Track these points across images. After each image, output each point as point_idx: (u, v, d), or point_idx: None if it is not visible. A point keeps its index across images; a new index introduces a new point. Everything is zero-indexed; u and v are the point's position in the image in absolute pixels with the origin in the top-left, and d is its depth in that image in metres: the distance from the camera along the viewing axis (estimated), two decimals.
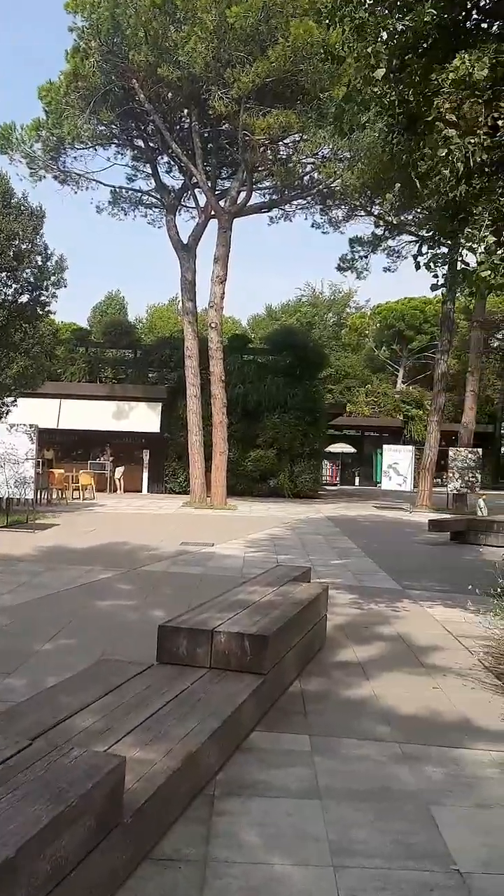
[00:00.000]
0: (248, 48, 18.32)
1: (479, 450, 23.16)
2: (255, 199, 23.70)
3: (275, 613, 5.25)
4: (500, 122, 5.11)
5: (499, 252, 5.64)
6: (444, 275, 6.10)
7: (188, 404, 22.95)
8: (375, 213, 26.16)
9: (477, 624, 7.40)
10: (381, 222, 26.44)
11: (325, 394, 33.97)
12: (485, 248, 5.58)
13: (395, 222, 26.26)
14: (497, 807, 3.64)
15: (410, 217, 26.90)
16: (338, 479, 40.44)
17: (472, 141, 4.99)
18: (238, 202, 21.54)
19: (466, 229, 5.71)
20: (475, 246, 5.60)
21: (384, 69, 5.37)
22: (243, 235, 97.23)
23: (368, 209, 25.78)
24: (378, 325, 51.52)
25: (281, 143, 20.92)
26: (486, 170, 5.60)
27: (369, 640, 6.69)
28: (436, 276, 5.98)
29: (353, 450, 41.01)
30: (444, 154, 5.08)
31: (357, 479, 41.85)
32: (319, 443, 28.46)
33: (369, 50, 5.30)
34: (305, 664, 5.68)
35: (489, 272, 5.58)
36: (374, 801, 3.64)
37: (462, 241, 5.65)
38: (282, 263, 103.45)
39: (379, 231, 27.19)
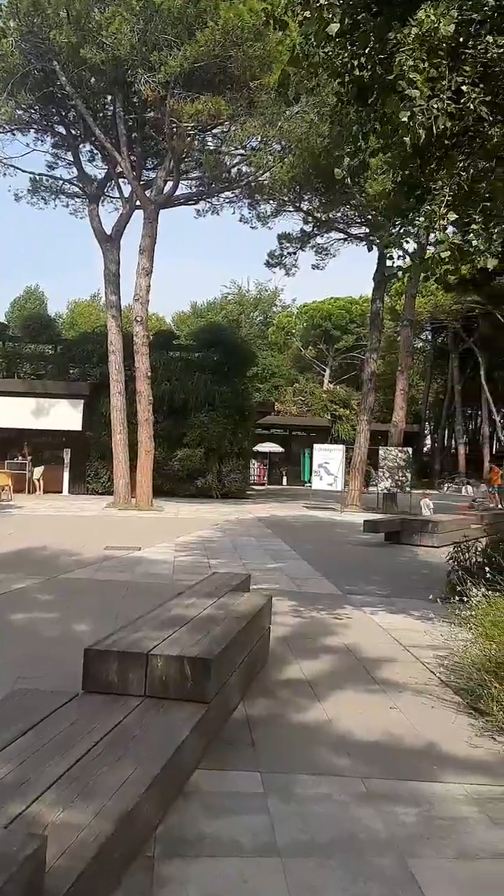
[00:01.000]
0: (176, 31, 17.64)
1: (409, 449, 23.14)
2: (183, 190, 23.05)
3: (216, 631, 4.66)
4: (464, 88, 4.66)
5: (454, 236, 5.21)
6: (399, 256, 5.64)
7: (112, 401, 22.04)
8: (304, 210, 25.88)
9: (424, 633, 7.00)
10: (310, 218, 26.16)
11: (253, 392, 33.60)
12: (444, 227, 5.13)
13: (323, 219, 26.03)
14: (482, 857, 3.16)
15: (339, 214, 26.78)
16: (265, 478, 40.09)
17: (437, 106, 4.52)
18: (165, 192, 20.80)
19: (424, 207, 5.25)
20: (434, 225, 5.15)
21: (338, 24, 4.85)
22: (169, 230, 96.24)
23: (297, 205, 25.48)
24: (305, 324, 51.56)
25: (209, 132, 20.30)
26: (447, 142, 5.15)
27: (315, 653, 6.17)
28: (391, 257, 5.51)
29: (280, 449, 40.75)
30: (405, 118, 4.59)
31: (285, 479, 41.62)
32: (248, 442, 28.00)
33: (322, 2, 4.77)
34: (249, 684, 5.11)
35: (448, 253, 5.15)
36: (343, 854, 3.10)
37: (419, 220, 5.19)
38: (208, 260, 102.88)
39: (308, 228, 26.92)
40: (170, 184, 20.89)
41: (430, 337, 49.70)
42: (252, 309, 57.41)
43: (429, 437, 55.08)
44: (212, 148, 21.01)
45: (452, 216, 5.06)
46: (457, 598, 8.65)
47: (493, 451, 43.27)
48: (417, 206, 5.42)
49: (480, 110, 4.78)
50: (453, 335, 43.68)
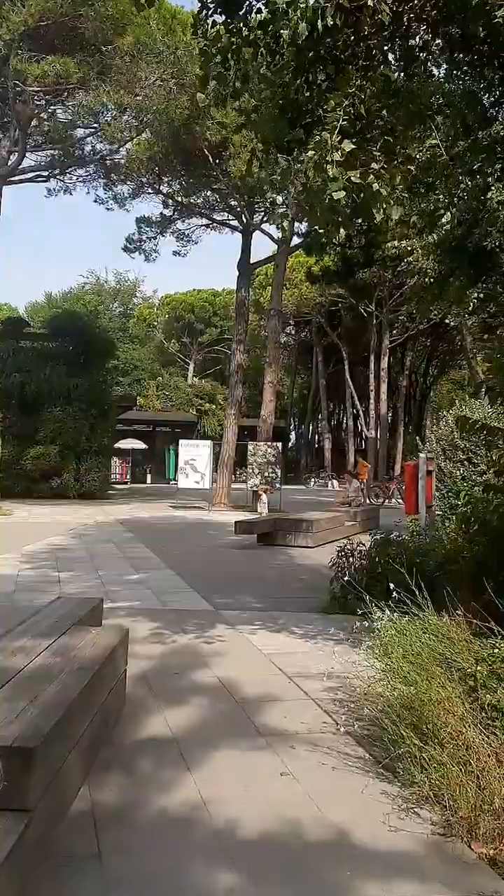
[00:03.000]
0: None
1: (279, 444, 22.38)
2: (31, 165, 21.07)
3: (49, 693, 3.36)
4: None
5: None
6: (284, 201, 4.53)
7: None
8: (164, 192, 24.56)
9: (309, 656, 5.99)
10: (171, 202, 24.88)
11: (113, 385, 31.91)
12: (337, 162, 4.08)
13: (185, 203, 24.82)
14: None
15: (200, 200, 25.67)
16: (128, 477, 38.36)
17: None
18: (9, 164, 18.84)
19: (314, 137, 4.17)
20: (325, 158, 4.08)
21: None
22: (21, 214, 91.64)
23: (157, 187, 24.14)
24: (167, 316, 50.15)
25: (60, 102, 18.53)
26: (339, 53, 4.09)
27: (183, 694, 4.98)
28: (273, 203, 4.42)
29: (144, 446, 39.16)
30: (283, 5, 3.48)
31: (149, 477, 40.05)
32: (108, 438, 26.34)
33: None
34: (97, 755, 3.85)
35: (343, 194, 4.10)
36: None
37: (310, 153, 4.10)
38: (64, 247, 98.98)
39: (168, 212, 25.62)
40: (15, 155, 18.95)
41: (294, 331, 49.68)
42: (111, 300, 55.29)
43: (293, 432, 55.21)
44: (63, 120, 19.24)
45: (348, 146, 4.01)
46: (339, 610, 7.77)
47: (356, 446, 43.73)
48: (305, 137, 4.34)
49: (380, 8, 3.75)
50: (317, 329, 43.73)
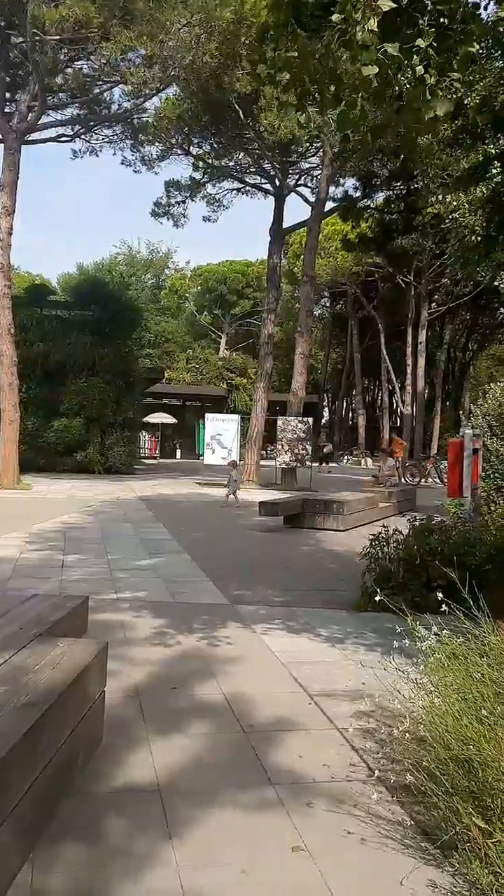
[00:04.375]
0: None
1: (310, 419, 21.30)
2: (52, 121, 20.05)
3: None
4: None
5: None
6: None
7: None
8: (194, 154, 23.40)
9: (337, 666, 5.05)
10: (201, 164, 23.72)
11: (141, 357, 31.05)
12: (365, 35, 3.05)
13: (215, 165, 23.65)
14: None
15: (232, 163, 24.48)
16: (157, 451, 37.67)
17: None
18: (29, 120, 17.82)
19: (335, 15, 3.14)
20: (352, 31, 3.06)
21: None
22: (52, 185, 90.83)
23: (186, 148, 22.97)
24: (199, 287, 49.04)
25: (80, 50, 17.36)
26: None
27: (179, 719, 4.06)
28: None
29: (174, 420, 38.33)
30: None
31: (178, 452, 39.35)
32: (134, 411, 25.50)
33: None
34: (51, 814, 2.95)
35: (375, 70, 3.09)
36: None
37: (335, 16, 3.07)
38: (97, 217, 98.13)
39: (198, 175, 24.45)
40: (35, 110, 17.89)
41: (328, 304, 48.28)
42: (143, 271, 54.27)
43: (326, 408, 53.99)
44: (84, 72, 18.18)
45: (386, 4, 2.98)
46: (372, 607, 6.79)
47: (391, 423, 42.43)
48: (324, 15, 3.30)
49: None
50: (353, 301, 42.28)
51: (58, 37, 15.38)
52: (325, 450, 32.68)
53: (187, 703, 4.32)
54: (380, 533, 7.36)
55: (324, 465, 30.48)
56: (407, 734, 3.28)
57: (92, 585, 7.24)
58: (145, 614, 6.26)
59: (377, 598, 6.83)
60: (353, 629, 6.05)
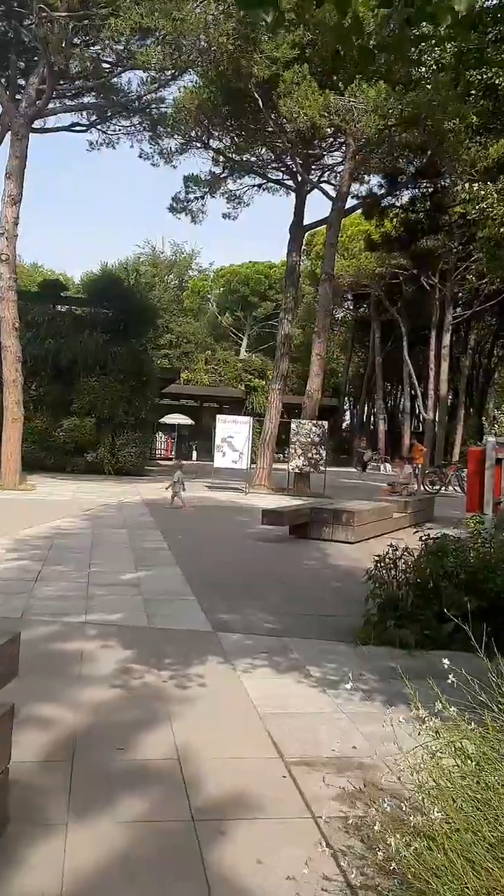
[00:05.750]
0: None
1: (325, 423, 20.39)
2: (62, 106, 19.36)
3: None
4: None
5: None
6: None
7: None
8: (214, 148, 22.63)
9: (325, 720, 4.20)
10: (221, 158, 22.94)
11: (157, 356, 30.33)
12: None
13: (236, 159, 22.86)
14: None
15: (253, 158, 23.67)
16: (173, 453, 36.94)
17: None
18: (38, 104, 17.12)
19: None
20: None
21: None
22: (74, 182, 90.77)
23: (206, 141, 22.20)
24: (221, 288, 48.35)
25: (89, 28, 16.51)
26: None
27: (111, 797, 3.22)
28: None
29: (190, 421, 37.59)
30: None
31: (195, 454, 38.56)
32: (147, 411, 24.75)
33: None
34: None
35: None
36: None
37: None
38: (125, 217, 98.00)
39: (217, 169, 23.68)
40: (43, 93, 17.17)
41: (351, 306, 47.31)
42: (167, 272, 53.66)
43: (347, 412, 52.96)
44: (94, 55, 17.46)
45: None
46: (375, 640, 5.92)
47: (413, 428, 41.32)
48: None
49: None
50: (376, 303, 41.27)
51: (65, 13, 14.67)
52: (364, 457, 31.97)
53: (128, 769, 3.49)
54: (386, 553, 6.47)
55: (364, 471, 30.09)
56: (408, 846, 2.43)
57: (61, 604, 6.47)
58: (113, 643, 5.44)
59: (381, 628, 6.01)
60: (351, 668, 5.18)
